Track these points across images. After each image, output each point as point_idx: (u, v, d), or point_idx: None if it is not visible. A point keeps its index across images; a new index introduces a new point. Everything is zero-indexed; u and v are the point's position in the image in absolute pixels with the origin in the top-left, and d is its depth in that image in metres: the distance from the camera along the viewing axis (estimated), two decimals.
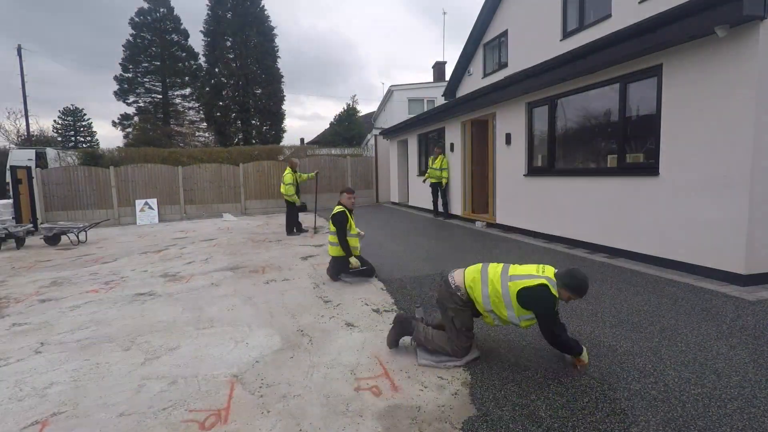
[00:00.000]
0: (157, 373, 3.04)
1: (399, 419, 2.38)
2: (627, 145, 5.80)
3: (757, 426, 2.16)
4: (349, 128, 29.50)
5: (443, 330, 3.09)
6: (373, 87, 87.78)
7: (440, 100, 19.37)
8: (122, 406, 2.62)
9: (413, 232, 8.94)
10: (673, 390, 2.51)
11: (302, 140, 34.57)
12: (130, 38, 31.46)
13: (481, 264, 3.02)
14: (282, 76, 32.96)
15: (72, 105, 37.73)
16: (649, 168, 5.35)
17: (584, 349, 2.82)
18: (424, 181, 11.57)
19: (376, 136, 17.47)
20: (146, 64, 32.30)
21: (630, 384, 2.59)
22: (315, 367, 3.04)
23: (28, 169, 12.51)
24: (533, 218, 7.73)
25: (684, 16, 4.42)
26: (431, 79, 23.78)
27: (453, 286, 2.97)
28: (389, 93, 23.63)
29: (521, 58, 11.42)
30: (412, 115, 16.14)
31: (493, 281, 2.83)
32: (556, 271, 2.81)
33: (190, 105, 34.40)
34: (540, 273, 2.76)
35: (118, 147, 20.93)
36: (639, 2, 7.98)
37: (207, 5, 31.26)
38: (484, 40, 14.21)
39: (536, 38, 11.07)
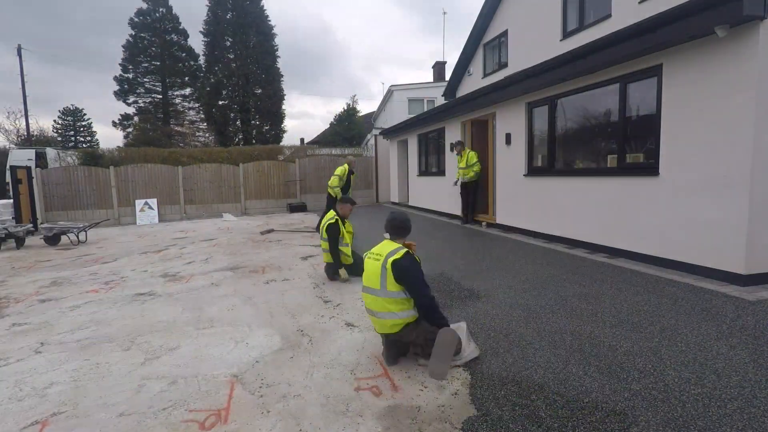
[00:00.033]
0: (157, 373, 3.04)
1: (399, 419, 2.38)
2: (627, 145, 5.79)
3: (757, 426, 2.16)
4: (349, 128, 29.52)
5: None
6: (358, 79, 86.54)
7: (440, 100, 19.37)
8: (122, 406, 2.62)
9: (413, 232, 8.91)
10: (673, 390, 2.51)
11: (302, 140, 34.59)
12: (130, 38, 31.50)
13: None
14: (282, 76, 33.00)
15: (72, 105, 37.78)
16: (649, 168, 5.35)
17: None
18: (455, 183, 9.82)
19: (376, 136, 17.47)
20: (146, 65, 32.35)
21: (630, 384, 2.59)
22: (315, 367, 3.04)
23: (28, 169, 12.51)
24: (533, 218, 7.73)
25: (684, 16, 4.42)
26: (431, 79, 23.79)
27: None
28: (389, 93, 23.64)
29: (521, 58, 11.42)
30: (412, 115, 16.15)
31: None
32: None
33: (190, 105, 34.47)
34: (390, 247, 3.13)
35: (118, 147, 20.95)
36: (639, 2, 7.99)
37: (207, 5, 31.30)
38: (484, 40, 14.21)
39: (536, 38, 11.07)
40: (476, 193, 9.77)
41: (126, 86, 32.06)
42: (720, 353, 2.93)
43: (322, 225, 5.54)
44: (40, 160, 15.58)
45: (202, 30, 31.77)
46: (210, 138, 33.27)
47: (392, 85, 22.96)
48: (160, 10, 32.19)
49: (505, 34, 12.91)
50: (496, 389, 2.62)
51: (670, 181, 5.07)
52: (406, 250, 3.05)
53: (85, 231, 10.29)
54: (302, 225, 9.95)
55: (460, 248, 7.15)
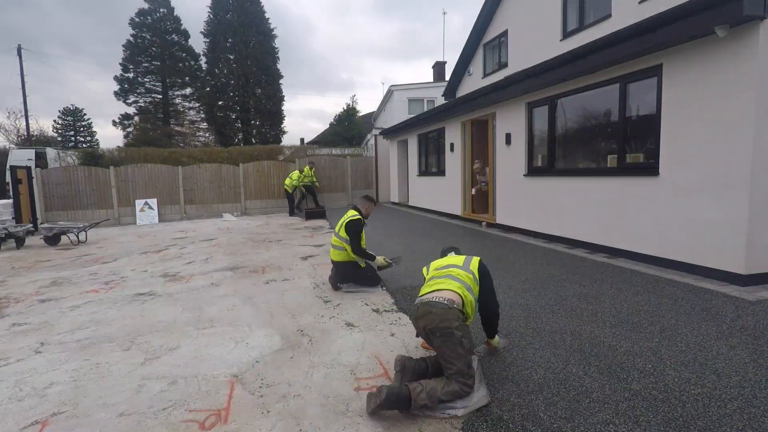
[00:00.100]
0: (157, 373, 3.04)
1: (399, 419, 2.38)
2: (627, 145, 5.80)
3: (757, 426, 2.16)
4: (349, 128, 29.50)
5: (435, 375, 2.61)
6: (334, 73, 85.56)
7: (440, 100, 19.38)
8: (122, 406, 2.62)
9: (413, 232, 8.93)
10: (673, 390, 2.51)
11: (302, 140, 34.58)
12: (131, 38, 31.51)
13: (434, 277, 2.92)
14: (282, 76, 33.02)
15: (72, 105, 37.73)
16: (649, 168, 5.35)
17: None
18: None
19: (376, 136, 17.47)
20: (146, 64, 32.35)
21: (630, 384, 2.59)
22: (315, 367, 3.04)
23: (28, 169, 12.51)
24: (533, 218, 7.73)
25: (684, 16, 4.42)
26: (431, 79, 23.81)
27: (451, 304, 2.59)
28: (389, 93, 23.65)
29: (521, 58, 11.42)
30: (412, 115, 16.15)
31: (463, 276, 2.84)
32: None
33: (191, 105, 34.46)
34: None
35: (118, 147, 20.94)
36: (639, 2, 7.99)
37: (207, 6, 31.34)
38: (484, 40, 14.21)
39: (536, 38, 11.07)
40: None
41: (126, 86, 32.06)
42: (720, 353, 2.93)
43: (341, 222, 4.93)
44: (40, 160, 15.58)
45: (202, 30, 31.81)
46: (210, 138, 33.27)
47: (392, 85, 22.97)
48: (161, 10, 32.20)
49: (505, 34, 12.91)
50: (496, 389, 2.62)
51: (670, 181, 5.07)
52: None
53: (85, 231, 10.30)
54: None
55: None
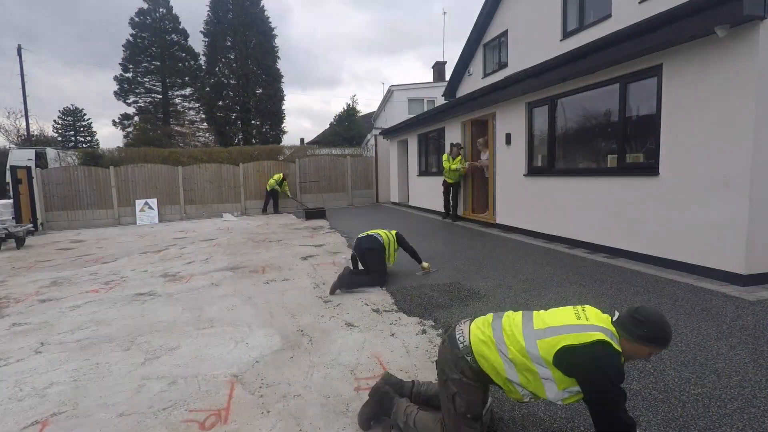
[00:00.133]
0: (157, 373, 3.04)
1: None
2: (627, 145, 5.79)
3: (758, 426, 2.16)
4: (349, 128, 29.51)
5: (437, 409, 2.20)
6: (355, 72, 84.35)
7: (440, 100, 19.38)
8: (122, 406, 2.62)
9: (413, 232, 8.93)
10: (673, 390, 2.51)
11: (302, 140, 34.61)
12: (130, 38, 31.50)
13: (491, 314, 2.14)
14: (282, 76, 33.02)
15: (72, 105, 37.77)
16: (649, 168, 5.35)
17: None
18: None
19: (376, 136, 17.47)
20: (146, 64, 32.35)
21: (630, 384, 2.59)
22: (315, 367, 3.04)
23: (28, 169, 12.54)
24: (533, 218, 7.73)
25: (684, 16, 4.42)
26: (431, 79, 23.82)
27: (461, 346, 1.98)
28: (389, 93, 23.67)
29: (521, 58, 11.42)
30: (412, 115, 16.15)
31: (514, 335, 1.90)
32: (614, 317, 1.91)
33: (191, 105, 34.46)
34: (585, 321, 1.86)
35: (118, 147, 20.97)
36: (639, 2, 7.99)
37: (207, 5, 31.31)
38: (484, 40, 14.21)
39: (536, 38, 11.07)
40: (457, 194, 10.65)
41: (126, 86, 32.06)
42: (720, 353, 2.93)
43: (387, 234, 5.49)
44: (40, 160, 15.59)
45: (202, 30, 31.80)
46: (210, 138, 33.27)
47: (392, 85, 22.99)
48: (161, 10, 32.20)
49: (505, 34, 12.91)
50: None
51: (671, 181, 5.07)
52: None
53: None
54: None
55: (460, 248, 7.15)
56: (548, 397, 1.85)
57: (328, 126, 35.54)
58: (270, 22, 32.22)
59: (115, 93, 32.15)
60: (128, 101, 32.43)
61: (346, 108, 30.95)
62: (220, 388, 2.79)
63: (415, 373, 2.90)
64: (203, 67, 32.94)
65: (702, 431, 2.14)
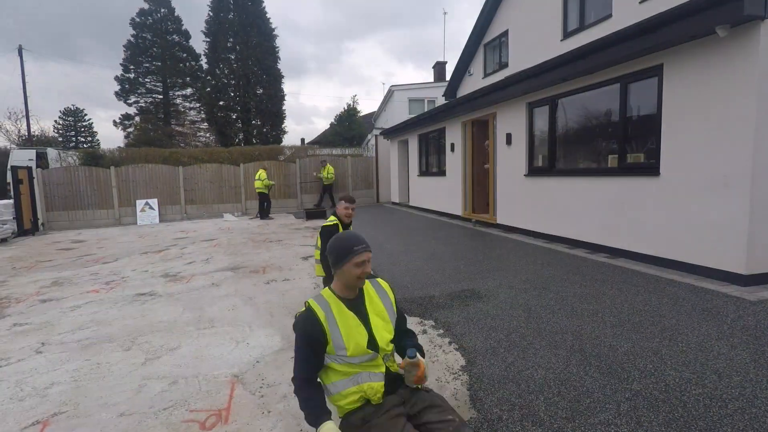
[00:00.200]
0: (158, 373, 3.04)
1: None
2: (628, 145, 5.79)
3: (758, 426, 2.15)
4: (349, 128, 29.49)
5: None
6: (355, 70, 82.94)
7: (441, 100, 19.37)
8: (123, 406, 2.62)
9: (413, 232, 8.94)
10: (674, 390, 2.51)
11: (303, 140, 34.62)
12: (131, 39, 31.51)
13: None
14: (283, 76, 33.02)
15: (73, 105, 37.83)
16: (650, 168, 5.34)
17: None
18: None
19: (376, 136, 17.47)
20: (147, 65, 32.35)
21: (631, 384, 2.59)
22: None
23: (29, 169, 12.55)
24: (534, 218, 7.73)
25: (685, 16, 4.42)
26: (432, 79, 23.81)
27: None
28: (390, 93, 23.66)
29: (522, 58, 11.42)
30: (412, 115, 16.15)
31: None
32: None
33: (191, 105, 34.45)
34: None
35: (119, 147, 20.96)
36: (640, 2, 7.98)
37: (208, 6, 31.32)
38: (484, 41, 14.20)
39: (537, 38, 11.06)
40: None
41: (127, 86, 32.07)
42: (721, 353, 2.93)
43: (321, 228, 4.20)
44: (41, 160, 15.60)
45: (203, 30, 31.76)
46: (211, 138, 33.27)
47: (393, 86, 22.98)
48: (162, 10, 32.22)
49: (505, 34, 12.90)
50: (496, 389, 2.62)
51: (671, 181, 5.06)
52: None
53: None
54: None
55: (461, 248, 7.15)
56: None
57: (328, 126, 35.57)
58: (271, 22, 32.23)
59: (116, 93, 32.20)
60: (129, 101, 32.47)
61: (346, 108, 30.95)
62: (220, 388, 2.79)
63: None
64: (204, 68, 32.94)
65: (703, 431, 2.14)
